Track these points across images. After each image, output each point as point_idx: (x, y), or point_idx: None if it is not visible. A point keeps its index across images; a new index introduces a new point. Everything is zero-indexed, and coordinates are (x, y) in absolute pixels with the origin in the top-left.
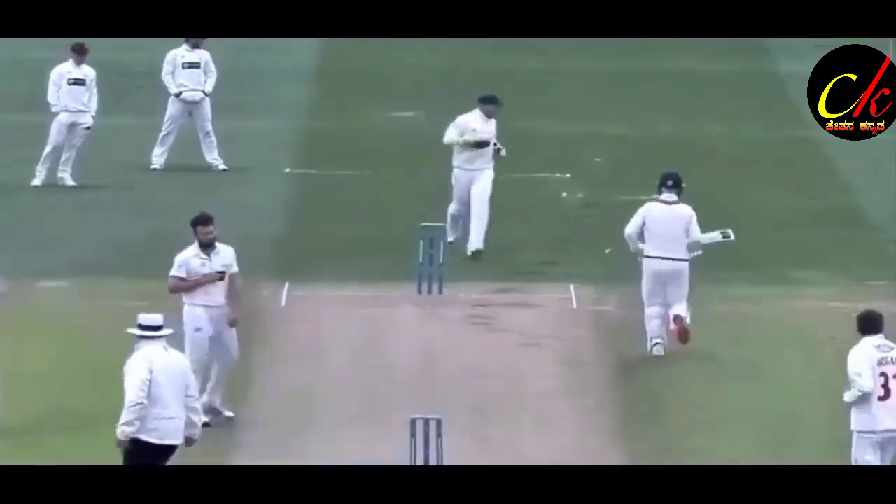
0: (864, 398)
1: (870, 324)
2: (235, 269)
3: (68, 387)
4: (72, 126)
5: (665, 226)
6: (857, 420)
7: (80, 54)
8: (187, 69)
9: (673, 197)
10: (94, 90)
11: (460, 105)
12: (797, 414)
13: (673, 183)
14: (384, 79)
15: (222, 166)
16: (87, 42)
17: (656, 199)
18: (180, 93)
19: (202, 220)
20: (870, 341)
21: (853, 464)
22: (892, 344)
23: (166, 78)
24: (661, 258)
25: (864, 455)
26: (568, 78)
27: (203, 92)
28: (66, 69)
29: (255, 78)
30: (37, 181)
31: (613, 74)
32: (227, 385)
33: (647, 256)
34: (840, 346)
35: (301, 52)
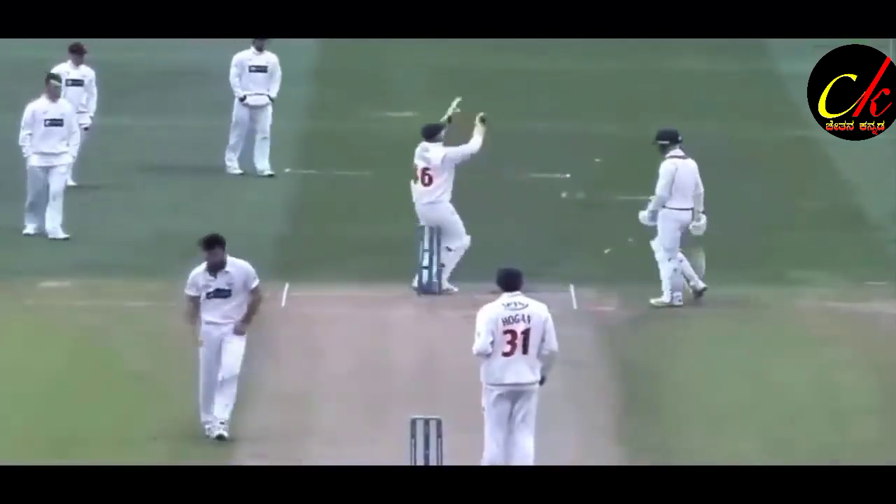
0: (490, 353)
1: (508, 281)
2: (252, 284)
3: (69, 386)
4: None
5: (686, 179)
6: (484, 372)
7: (78, 55)
8: (254, 72)
9: (680, 152)
10: (94, 90)
11: (460, 105)
12: (797, 414)
13: (669, 140)
14: (384, 79)
15: (269, 172)
16: (87, 42)
17: (672, 157)
18: (244, 97)
19: (204, 244)
20: (502, 299)
21: (483, 411)
22: (524, 301)
23: (233, 81)
24: (685, 209)
25: (491, 405)
26: (568, 78)
27: (268, 97)
28: (65, 70)
29: None
30: None
31: (613, 74)
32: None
33: (676, 209)
34: (840, 346)
35: (301, 52)
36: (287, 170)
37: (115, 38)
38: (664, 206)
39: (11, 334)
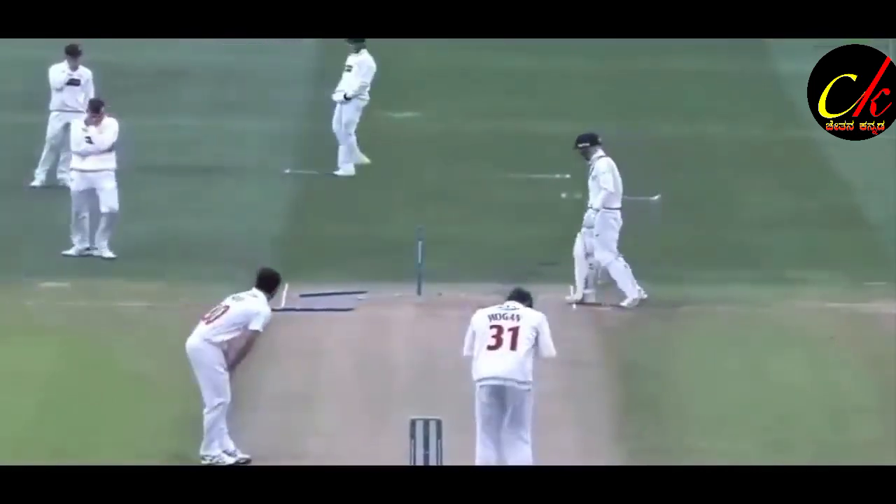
0: (478, 350)
1: (514, 293)
2: (252, 327)
3: (68, 386)
4: (67, 127)
5: (618, 178)
6: (474, 368)
7: (73, 56)
8: (346, 71)
9: (602, 152)
10: (91, 90)
11: (460, 105)
12: (797, 414)
13: (590, 142)
14: (384, 79)
15: (338, 171)
16: (86, 42)
17: (605, 156)
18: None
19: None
20: (497, 304)
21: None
22: (518, 307)
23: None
24: (620, 208)
25: (478, 403)
26: (568, 78)
27: (343, 94)
28: (61, 69)
29: (256, 78)
30: (35, 182)
31: (613, 74)
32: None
33: (616, 208)
34: (840, 346)
35: (301, 52)
36: (287, 170)
37: (114, 38)
38: (605, 208)
39: (11, 335)
